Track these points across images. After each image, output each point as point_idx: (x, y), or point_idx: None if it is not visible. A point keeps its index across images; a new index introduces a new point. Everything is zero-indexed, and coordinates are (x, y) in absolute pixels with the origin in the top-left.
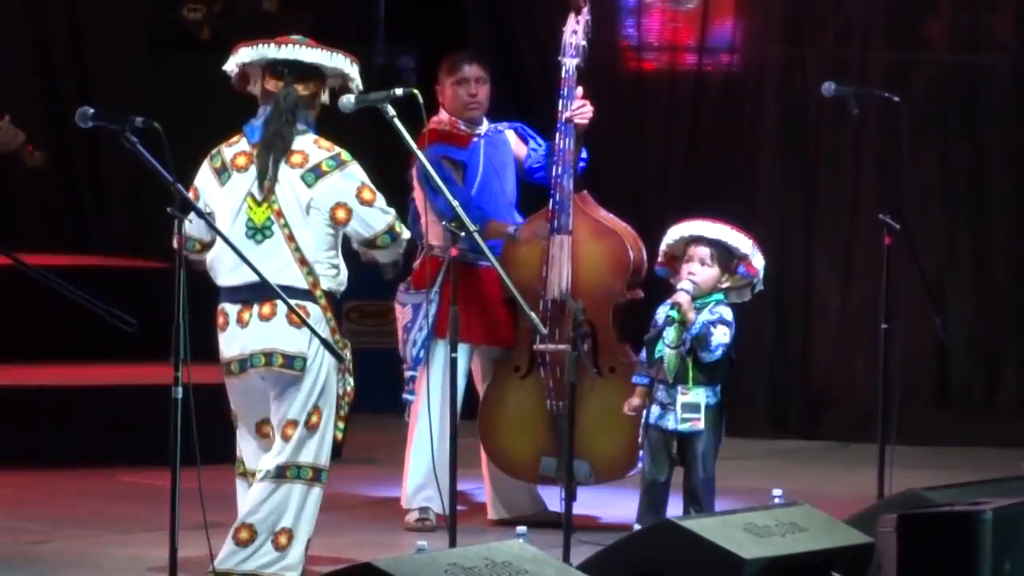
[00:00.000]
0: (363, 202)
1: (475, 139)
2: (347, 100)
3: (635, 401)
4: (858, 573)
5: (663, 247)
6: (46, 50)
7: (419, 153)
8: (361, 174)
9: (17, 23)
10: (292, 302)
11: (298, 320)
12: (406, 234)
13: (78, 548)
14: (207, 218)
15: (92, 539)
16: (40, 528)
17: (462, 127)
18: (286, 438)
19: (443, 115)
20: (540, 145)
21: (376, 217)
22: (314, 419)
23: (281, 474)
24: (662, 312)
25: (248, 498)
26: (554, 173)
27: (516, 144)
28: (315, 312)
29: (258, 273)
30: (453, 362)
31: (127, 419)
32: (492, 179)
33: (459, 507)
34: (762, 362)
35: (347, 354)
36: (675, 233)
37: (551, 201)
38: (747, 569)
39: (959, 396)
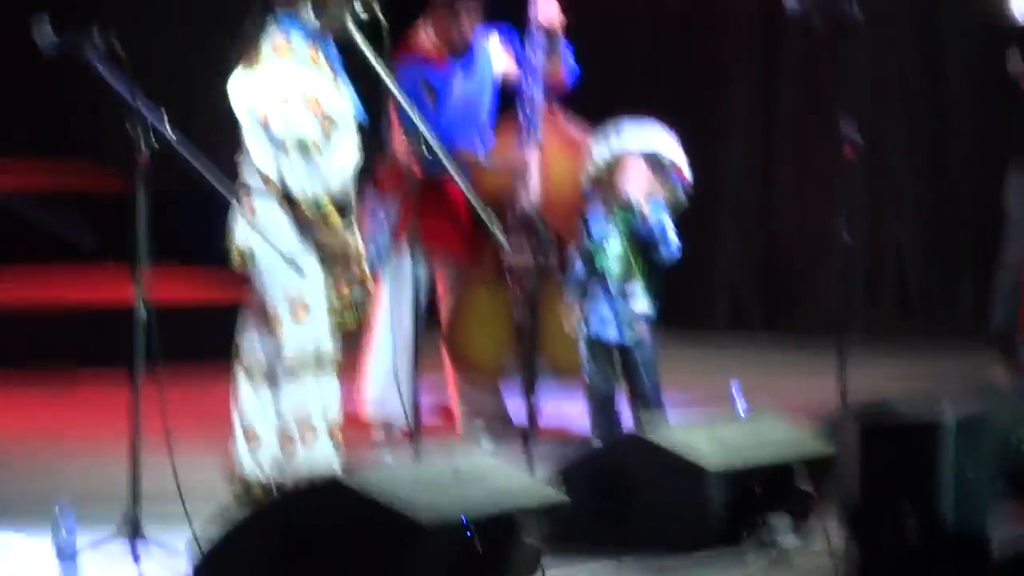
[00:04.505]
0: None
1: (451, 62)
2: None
3: (573, 320)
4: (821, 482)
5: (590, 168)
6: None
7: (380, 70)
8: (268, 82)
9: None
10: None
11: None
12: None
13: (40, 459)
14: (167, 132)
15: (53, 449)
16: None
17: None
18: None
19: (430, 32)
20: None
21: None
22: (301, 314)
23: (292, 373)
24: (598, 226)
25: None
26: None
27: (498, 54)
28: (266, 207)
29: (205, 174)
30: (415, 277)
31: (86, 327)
32: (469, 97)
33: (424, 420)
34: (723, 267)
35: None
36: (603, 151)
37: (520, 114)
38: (712, 480)
39: (919, 303)
